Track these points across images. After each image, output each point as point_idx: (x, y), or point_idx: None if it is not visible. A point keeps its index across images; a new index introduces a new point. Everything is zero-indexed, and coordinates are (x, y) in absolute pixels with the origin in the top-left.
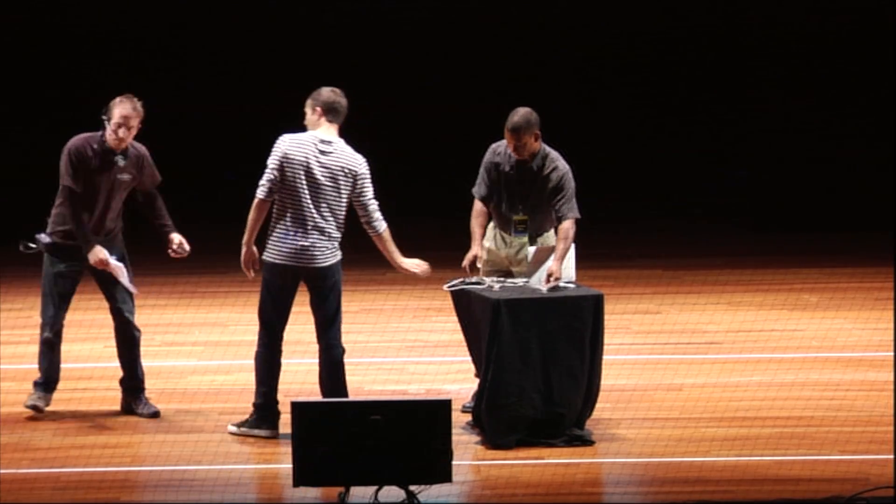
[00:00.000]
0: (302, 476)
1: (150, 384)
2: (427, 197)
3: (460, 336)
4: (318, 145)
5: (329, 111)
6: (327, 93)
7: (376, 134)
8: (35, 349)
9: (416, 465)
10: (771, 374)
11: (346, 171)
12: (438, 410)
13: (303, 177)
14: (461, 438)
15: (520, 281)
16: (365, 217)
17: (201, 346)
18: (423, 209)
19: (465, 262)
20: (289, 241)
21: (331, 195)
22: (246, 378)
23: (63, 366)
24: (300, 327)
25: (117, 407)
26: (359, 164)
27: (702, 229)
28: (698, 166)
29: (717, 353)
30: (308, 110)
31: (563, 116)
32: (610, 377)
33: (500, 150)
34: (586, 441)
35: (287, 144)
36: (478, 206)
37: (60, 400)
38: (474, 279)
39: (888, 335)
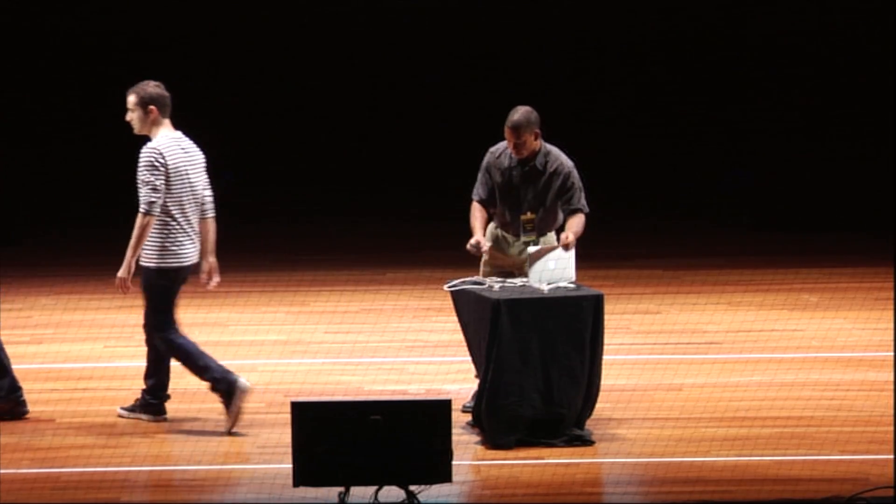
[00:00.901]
0: (302, 476)
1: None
2: (427, 197)
3: (460, 336)
4: (181, 146)
5: (163, 107)
6: (155, 89)
7: (377, 134)
8: (35, 349)
9: (416, 465)
10: (771, 374)
11: (201, 162)
12: (438, 410)
13: (187, 181)
14: (461, 438)
15: (519, 281)
16: (203, 203)
17: (201, 346)
18: (423, 209)
19: (469, 245)
20: (186, 243)
21: (197, 191)
22: (245, 378)
23: (63, 366)
24: (300, 327)
25: (117, 407)
26: (201, 153)
27: (702, 229)
28: (699, 166)
29: (717, 353)
30: (137, 110)
31: (563, 116)
32: (610, 377)
33: (498, 152)
34: (586, 441)
35: (167, 156)
36: (476, 205)
37: (60, 400)
38: (474, 279)
39: (888, 335)
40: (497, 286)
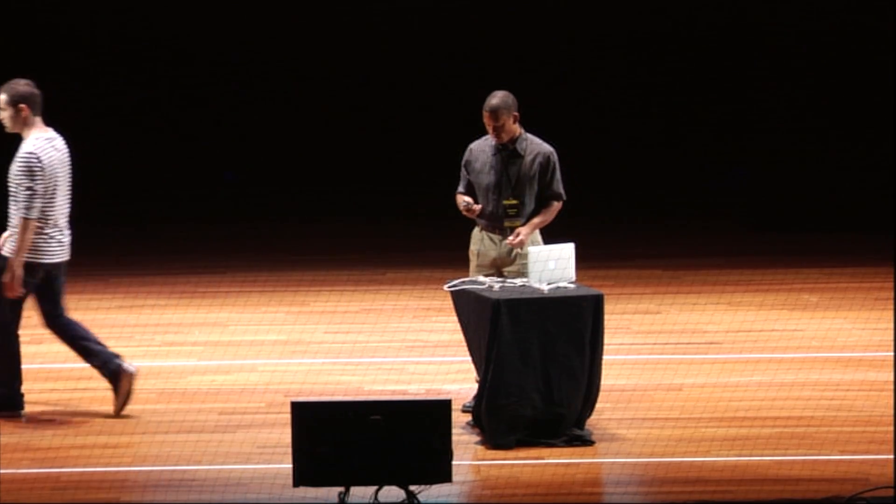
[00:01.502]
0: (302, 476)
1: (150, 384)
2: (427, 197)
3: (460, 336)
4: (54, 146)
5: (34, 105)
6: (26, 87)
7: (377, 134)
8: (35, 349)
9: (416, 465)
10: (771, 374)
11: (67, 160)
12: (438, 410)
13: (63, 180)
14: (461, 438)
15: (519, 281)
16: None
17: (201, 346)
18: (423, 209)
19: (462, 209)
20: (56, 239)
21: (65, 189)
22: (245, 378)
23: (63, 366)
24: (300, 327)
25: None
26: (68, 152)
27: (702, 229)
28: (698, 166)
29: (717, 353)
30: (9, 109)
31: (563, 115)
32: (610, 377)
33: (474, 146)
34: (586, 441)
35: (46, 158)
36: (459, 195)
37: (60, 400)
38: (474, 279)
39: (888, 335)
40: (497, 286)
